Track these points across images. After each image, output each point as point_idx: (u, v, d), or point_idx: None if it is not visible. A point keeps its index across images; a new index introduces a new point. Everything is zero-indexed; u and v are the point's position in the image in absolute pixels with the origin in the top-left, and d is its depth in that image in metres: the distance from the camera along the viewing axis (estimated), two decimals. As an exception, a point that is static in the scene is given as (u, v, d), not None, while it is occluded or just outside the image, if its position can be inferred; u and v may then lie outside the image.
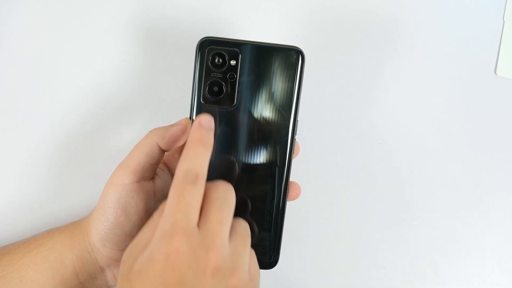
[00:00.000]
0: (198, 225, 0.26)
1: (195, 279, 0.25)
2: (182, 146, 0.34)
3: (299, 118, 0.33)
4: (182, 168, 0.27)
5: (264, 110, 0.32)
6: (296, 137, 0.33)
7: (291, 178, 0.34)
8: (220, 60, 0.32)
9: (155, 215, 0.28)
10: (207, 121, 0.29)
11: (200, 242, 0.25)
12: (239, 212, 0.30)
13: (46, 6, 0.43)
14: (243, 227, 0.29)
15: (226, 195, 0.28)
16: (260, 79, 0.32)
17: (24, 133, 0.42)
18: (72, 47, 0.43)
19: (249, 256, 0.29)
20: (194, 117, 0.32)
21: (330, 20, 0.45)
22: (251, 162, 0.33)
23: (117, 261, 0.34)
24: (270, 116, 0.32)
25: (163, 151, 0.33)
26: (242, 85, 0.32)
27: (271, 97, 0.32)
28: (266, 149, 0.32)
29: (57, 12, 0.43)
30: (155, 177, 0.34)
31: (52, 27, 0.43)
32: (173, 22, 0.44)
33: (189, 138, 0.28)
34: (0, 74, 0.42)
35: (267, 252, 0.34)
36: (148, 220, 0.28)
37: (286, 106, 0.32)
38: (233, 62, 0.32)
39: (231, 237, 0.27)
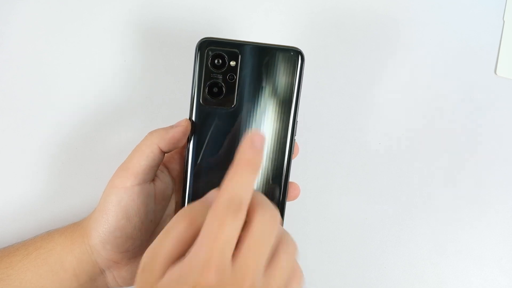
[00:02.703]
0: (233, 254, 0.24)
1: None
2: (183, 148, 0.34)
3: (298, 118, 0.33)
4: (226, 193, 0.25)
5: (263, 111, 0.32)
6: (296, 137, 0.33)
7: (291, 178, 0.34)
8: (220, 61, 0.32)
9: (178, 218, 0.26)
10: (260, 140, 0.26)
11: (231, 279, 0.24)
12: None
13: (46, 6, 0.43)
14: (288, 253, 0.26)
15: (269, 227, 0.26)
16: (259, 80, 0.32)
17: (24, 133, 0.42)
18: (72, 47, 0.43)
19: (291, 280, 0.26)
20: (193, 118, 0.32)
21: (330, 20, 0.45)
22: None
23: (117, 263, 0.34)
24: (270, 117, 0.32)
25: (163, 153, 0.33)
26: (241, 86, 0.32)
27: (270, 98, 0.32)
28: (266, 150, 0.32)
29: (57, 12, 0.43)
30: (155, 179, 0.34)
31: (52, 27, 0.43)
32: (173, 22, 0.44)
33: (237, 158, 0.25)
34: (0, 74, 0.42)
35: None
36: (168, 226, 0.26)
37: (286, 107, 0.32)
38: (232, 63, 0.32)
39: (269, 266, 0.26)
